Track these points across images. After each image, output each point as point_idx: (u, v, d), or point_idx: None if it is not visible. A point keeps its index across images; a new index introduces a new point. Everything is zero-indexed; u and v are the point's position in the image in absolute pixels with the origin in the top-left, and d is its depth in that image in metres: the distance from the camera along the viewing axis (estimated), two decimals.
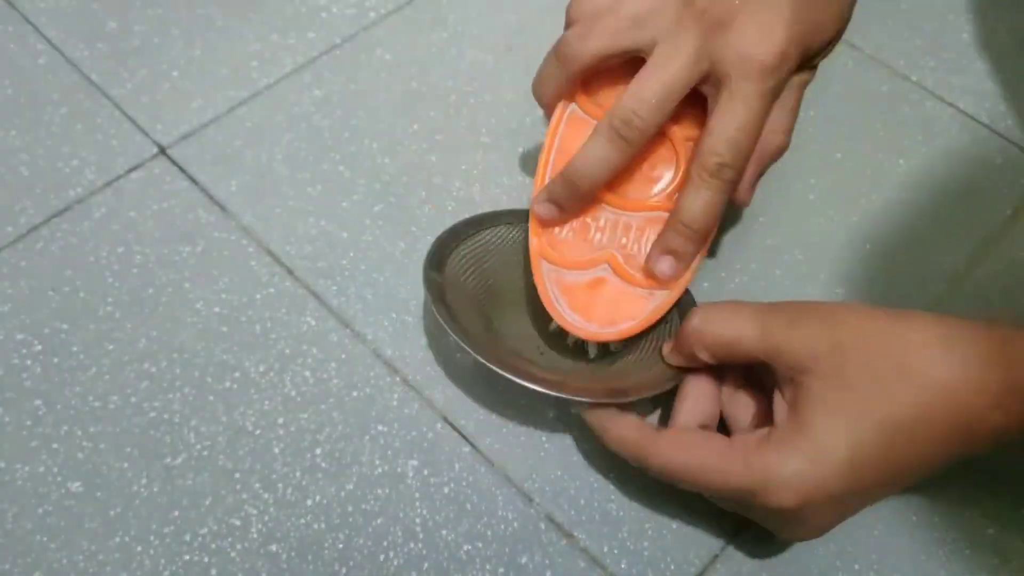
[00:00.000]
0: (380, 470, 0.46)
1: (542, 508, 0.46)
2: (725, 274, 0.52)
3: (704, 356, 0.43)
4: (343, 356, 0.49)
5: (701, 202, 0.44)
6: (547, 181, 0.47)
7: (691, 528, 0.45)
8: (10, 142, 0.56)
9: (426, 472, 0.46)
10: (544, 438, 0.48)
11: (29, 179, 0.54)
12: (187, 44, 0.60)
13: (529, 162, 0.56)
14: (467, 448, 0.47)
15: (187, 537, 0.44)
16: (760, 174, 0.47)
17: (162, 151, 0.56)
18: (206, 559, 0.44)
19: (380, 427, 0.48)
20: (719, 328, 0.42)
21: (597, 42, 0.45)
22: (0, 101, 0.57)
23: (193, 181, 0.55)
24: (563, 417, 0.48)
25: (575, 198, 0.46)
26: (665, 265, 0.45)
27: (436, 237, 0.49)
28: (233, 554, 0.44)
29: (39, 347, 0.49)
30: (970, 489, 0.46)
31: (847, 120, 0.58)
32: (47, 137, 0.56)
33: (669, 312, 0.46)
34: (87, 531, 0.44)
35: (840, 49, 0.61)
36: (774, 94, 0.44)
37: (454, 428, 0.48)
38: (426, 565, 0.44)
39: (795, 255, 0.53)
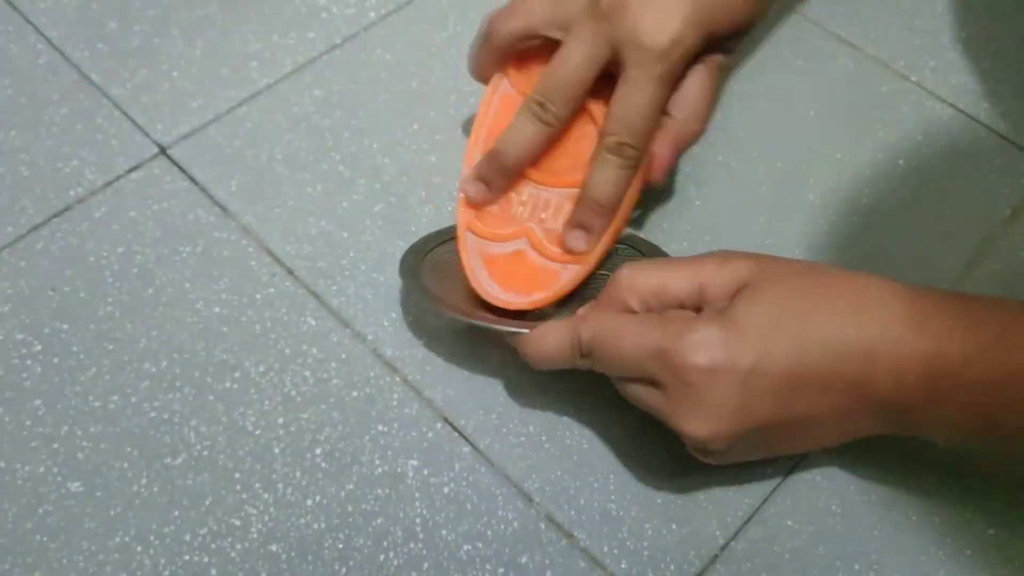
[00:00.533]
0: (380, 470, 0.46)
1: (542, 508, 0.46)
2: None
3: (634, 303, 0.43)
4: (343, 356, 0.49)
5: (603, 178, 0.47)
6: (476, 155, 0.49)
7: (691, 528, 0.45)
8: (10, 142, 0.56)
9: (426, 472, 0.46)
10: (544, 438, 0.48)
11: (29, 179, 0.54)
12: (187, 44, 0.60)
13: None
14: (467, 448, 0.47)
15: (187, 537, 0.44)
16: (677, 156, 0.50)
17: (162, 151, 0.56)
18: (206, 559, 0.44)
19: (380, 427, 0.48)
20: (650, 275, 0.44)
21: (515, 23, 0.49)
22: (0, 101, 0.57)
23: (193, 181, 0.55)
24: (563, 416, 0.48)
25: (501, 176, 0.48)
26: (577, 239, 0.48)
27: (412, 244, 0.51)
28: (233, 554, 0.44)
29: (39, 347, 0.49)
30: (970, 489, 0.46)
31: (847, 120, 0.58)
32: (47, 137, 0.56)
33: (587, 283, 0.48)
34: (87, 531, 0.44)
35: (840, 49, 0.61)
36: (669, 77, 0.47)
37: (454, 428, 0.48)
38: (426, 565, 0.44)
39: (795, 255, 0.53)
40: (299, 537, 0.45)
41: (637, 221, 0.54)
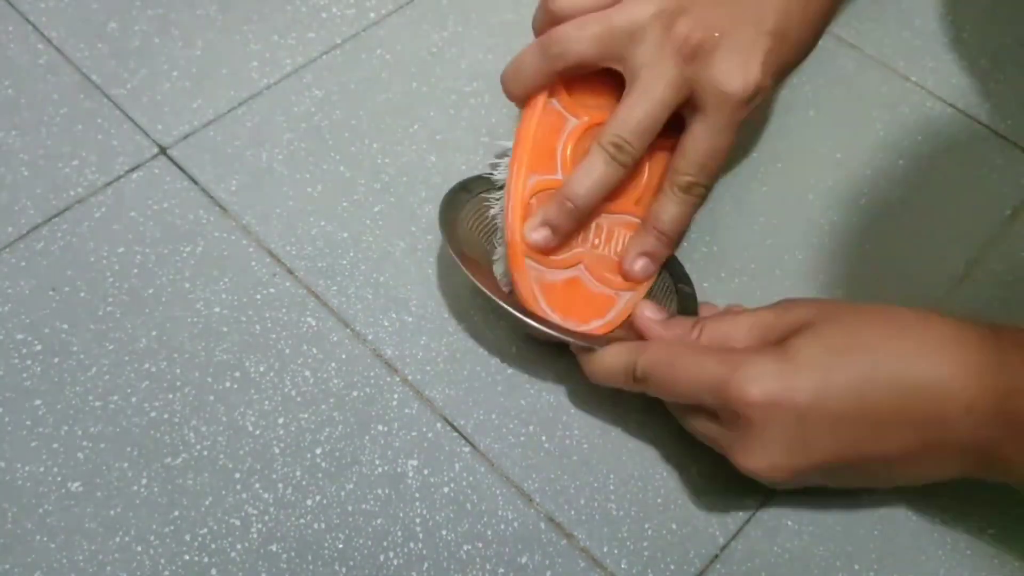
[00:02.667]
0: (380, 470, 0.46)
1: (542, 508, 0.46)
2: (725, 274, 0.52)
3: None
4: (343, 356, 0.49)
5: (674, 212, 0.48)
6: (526, 180, 0.47)
7: (691, 528, 0.45)
8: (10, 142, 0.56)
9: (426, 472, 0.46)
10: (544, 438, 0.48)
11: (29, 179, 0.54)
12: (187, 44, 0.60)
13: None
14: (467, 448, 0.47)
15: (187, 537, 0.44)
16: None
17: (162, 151, 0.56)
18: (206, 559, 0.44)
19: (380, 427, 0.48)
20: (715, 327, 0.45)
21: (588, 47, 0.46)
22: (0, 101, 0.57)
23: (193, 181, 0.55)
24: (563, 416, 0.48)
25: (573, 222, 0.47)
26: (641, 266, 0.48)
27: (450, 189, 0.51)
28: (233, 554, 0.44)
29: (39, 347, 0.49)
30: (970, 489, 0.46)
31: (847, 120, 0.58)
32: (47, 137, 0.56)
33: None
34: (87, 531, 0.44)
35: (840, 49, 0.61)
36: (744, 121, 0.48)
37: (454, 428, 0.48)
38: (426, 565, 0.44)
39: (795, 255, 0.53)
40: (299, 537, 0.45)
41: None
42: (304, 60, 0.60)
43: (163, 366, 0.49)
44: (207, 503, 0.45)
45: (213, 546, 0.44)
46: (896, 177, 0.56)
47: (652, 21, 0.45)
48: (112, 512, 0.45)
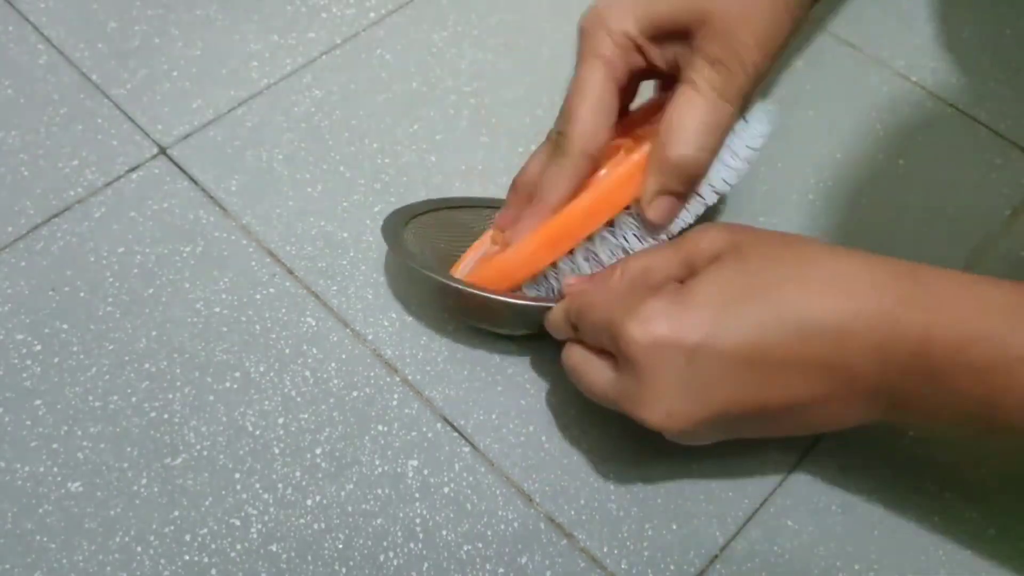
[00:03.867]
0: (380, 470, 0.46)
1: (542, 508, 0.46)
2: None
3: (624, 288, 0.43)
4: (343, 356, 0.49)
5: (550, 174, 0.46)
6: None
7: (691, 528, 0.45)
8: (10, 142, 0.56)
9: (426, 472, 0.46)
10: (544, 438, 0.48)
11: (29, 179, 0.54)
12: (187, 44, 0.60)
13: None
14: (467, 448, 0.47)
15: (187, 537, 0.44)
16: (666, 187, 0.44)
17: (162, 151, 0.56)
18: (206, 559, 0.44)
19: (380, 427, 0.48)
20: (636, 258, 0.44)
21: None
22: (0, 101, 0.57)
23: (193, 181, 0.55)
24: (563, 416, 0.48)
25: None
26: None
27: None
28: (233, 554, 0.44)
29: (39, 347, 0.49)
30: (971, 489, 0.46)
31: (847, 120, 0.58)
32: (47, 137, 0.56)
33: None
34: (87, 531, 0.44)
35: (840, 49, 0.61)
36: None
37: (454, 428, 0.48)
38: (426, 565, 0.44)
39: None
40: (299, 537, 0.45)
41: None
42: (304, 60, 0.60)
43: (163, 366, 0.49)
44: (207, 503, 0.45)
45: (213, 546, 0.44)
46: (896, 177, 0.56)
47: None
48: (112, 512, 0.45)
